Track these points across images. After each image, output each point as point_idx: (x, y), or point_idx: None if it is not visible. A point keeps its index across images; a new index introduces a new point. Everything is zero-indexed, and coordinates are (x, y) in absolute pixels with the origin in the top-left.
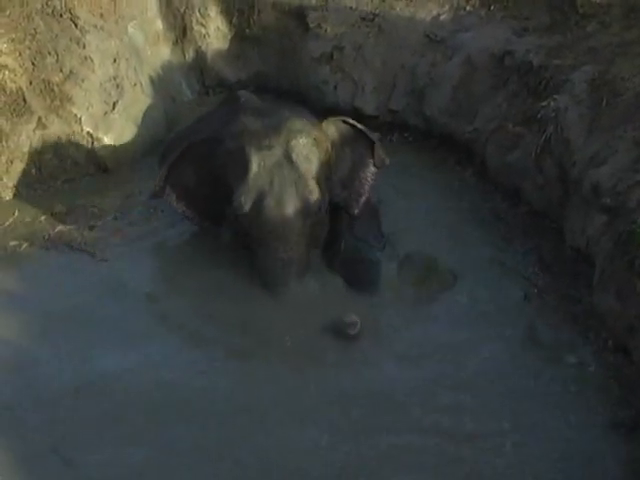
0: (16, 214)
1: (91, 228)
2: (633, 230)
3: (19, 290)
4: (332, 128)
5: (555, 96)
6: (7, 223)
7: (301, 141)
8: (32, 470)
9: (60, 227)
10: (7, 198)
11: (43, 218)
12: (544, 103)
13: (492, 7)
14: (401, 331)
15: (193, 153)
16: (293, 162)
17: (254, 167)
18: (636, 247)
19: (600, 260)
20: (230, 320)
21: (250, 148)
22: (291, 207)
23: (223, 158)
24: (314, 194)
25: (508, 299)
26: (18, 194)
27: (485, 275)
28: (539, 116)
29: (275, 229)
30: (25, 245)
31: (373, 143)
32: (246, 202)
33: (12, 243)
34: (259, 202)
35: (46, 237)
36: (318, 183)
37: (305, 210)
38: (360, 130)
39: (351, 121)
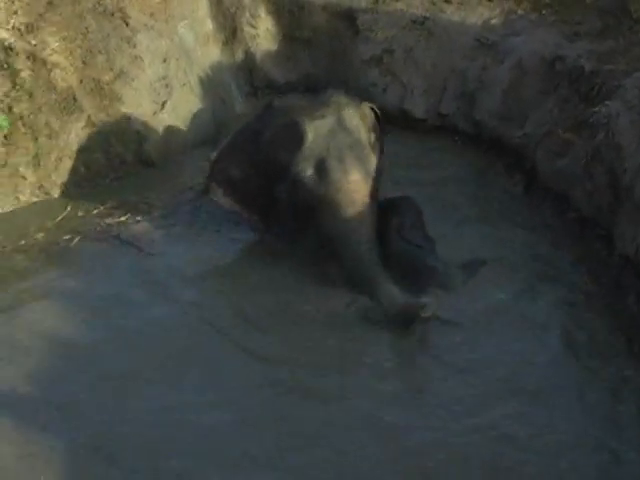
0: (67, 210)
1: (138, 222)
2: None
3: (70, 282)
4: (367, 110)
5: (607, 102)
6: (58, 219)
7: (351, 112)
8: None
9: (109, 221)
10: (56, 195)
11: (93, 213)
12: (595, 109)
13: (543, 11)
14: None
15: (236, 145)
16: (347, 129)
17: (309, 135)
18: None
19: None
20: (278, 325)
21: (302, 118)
22: (354, 167)
23: (272, 136)
24: (371, 158)
25: (554, 306)
26: (67, 191)
27: (532, 282)
28: (590, 122)
29: (341, 188)
30: (76, 240)
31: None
32: (306, 168)
33: (64, 237)
34: (321, 165)
35: (96, 231)
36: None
37: (366, 172)
38: (380, 120)
39: (376, 109)
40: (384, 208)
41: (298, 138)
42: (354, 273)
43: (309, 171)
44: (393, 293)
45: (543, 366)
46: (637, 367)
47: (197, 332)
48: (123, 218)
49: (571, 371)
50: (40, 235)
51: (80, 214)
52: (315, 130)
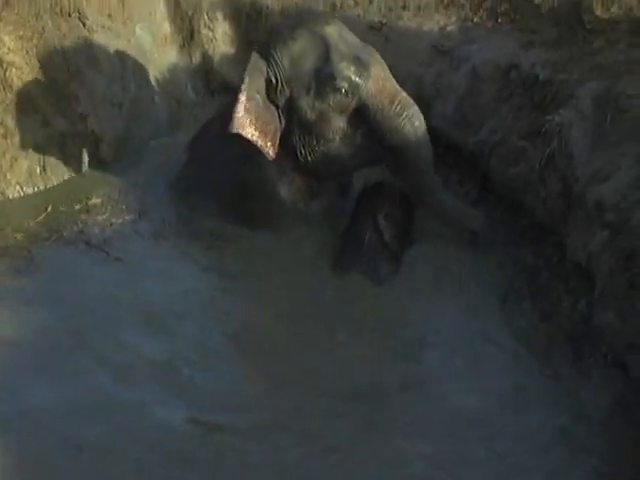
0: (24, 212)
1: (104, 225)
2: (635, 247)
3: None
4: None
5: (560, 111)
6: (14, 222)
7: (336, 21)
8: None
9: (71, 223)
10: (11, 196)
11: (53, 216)
12: (549, 117)
13: (499, 20)
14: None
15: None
16: (346, 33)
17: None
18: (637, 264)
19: (601, 276)
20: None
21: (317, 27)
22: (381, 62)
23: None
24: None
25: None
26: (22, 191)
27: (486, 285)
28: (543, 130)
29: (387, 78)
30: (39, 243)
31: None
32: (344, 69)
33: (24, 241)
34: (361, 67)
35: (60, 234)
36: None
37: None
38: None
39: None
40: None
41: (323, 45)
42: (424, 182)
43: (350, 70)
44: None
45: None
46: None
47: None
48: (87, 220)
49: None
50: None
51: (38, 216)
52: (334, 34)
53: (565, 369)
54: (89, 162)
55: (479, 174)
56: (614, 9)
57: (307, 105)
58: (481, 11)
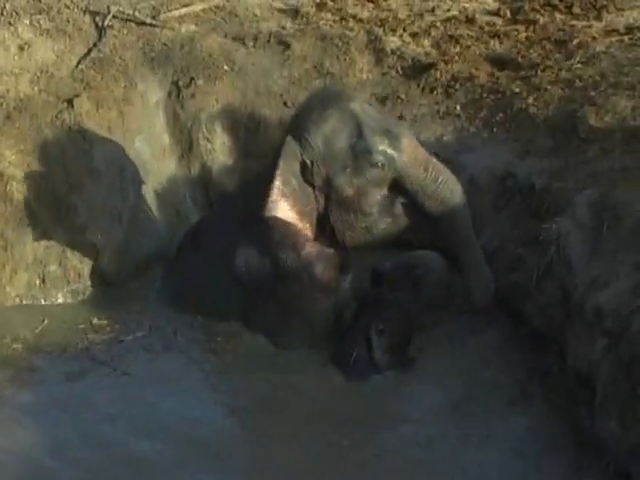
0: (28, 326)
1: (110, 341)
2: (636, 354)
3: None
4: None
5: (557, 219)
6: (18, 336)
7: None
8: None
9: (74, 339)
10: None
11: (55, 331)
12: (546, 225)
13: (495, 129)
14: None
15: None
16: (368, 107)
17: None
18: (638, 372)
19: (602, 384)
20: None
21: (344, 104)
22: (406, 131)
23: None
24: None
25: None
26: (21, 303)
27: (487, 398)
28: (541, 238)
29: (416, 148)
30: (45, 358)
31: None
32: (379, 143)
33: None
34: (393, 139)
35: (63, 350)
36: None
37: None
38: None
39: None
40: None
41: (350, 119)
42: (463, 243)
43: (384, 143)
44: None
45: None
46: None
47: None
48: (93, 338)
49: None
50: None
51: (38, 330)
52: (360, 109)
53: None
54: (90, 274)
55: None
56: (608, 118)
57: (345, 182)
58: (477, 121)
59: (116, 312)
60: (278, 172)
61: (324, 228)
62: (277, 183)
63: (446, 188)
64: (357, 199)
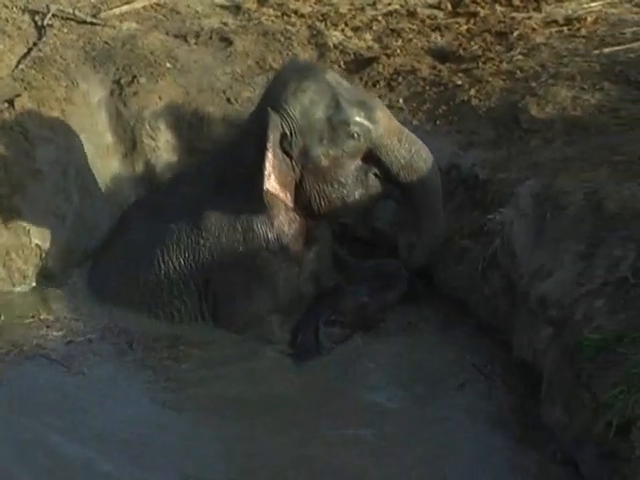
0: None
1: (62, 340)
2: (580, 342)
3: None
4: None
5: (501, 209)
6: None
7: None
8: None
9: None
10: None
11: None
12: (490, 216)
13: (438, 122)
14: None
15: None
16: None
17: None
18: (582, 359)
19: (547, 372)
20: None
21: (318, 76)
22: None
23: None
24: None
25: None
26: None
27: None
28: (485, 229)
29: (396, 124)
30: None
31: None
32: (355, 115)
33: None
34: (369, 110)
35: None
36: None
37: None
38: None
39: None
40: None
41: (327, 91)
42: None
43: (360, 114)
44: None
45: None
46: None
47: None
48: (42, 335)
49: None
50: None
51: None
52: (335, 82)
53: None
54: (35, 276)
55: (424, 275)
56: (549, 109)
57: (321, 153)
58: (420, 114)
59: (63, 312)
60: (269, 144)
61: (300, 197)
62: (269, 156)
63: (419, 158)
64: (333, 170)
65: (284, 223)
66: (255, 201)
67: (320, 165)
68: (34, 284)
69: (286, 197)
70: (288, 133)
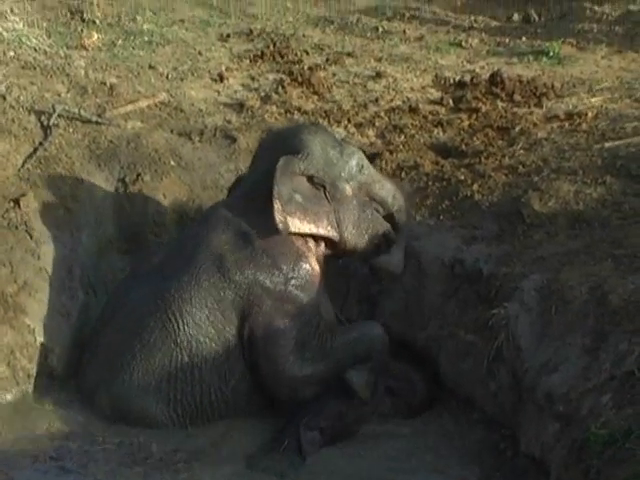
0: None
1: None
2: (587, 438)
3: None
4: None
5: (505, 304)
6: None
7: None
8: None
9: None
10: None
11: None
12: (495, 311)
13: (441, 217)
14: None
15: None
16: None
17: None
18: (590, 455)
19: (555, 468)
20: None
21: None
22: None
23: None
24: None
25: None
26: None
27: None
28: (490, 324)
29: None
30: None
31: None
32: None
33: None
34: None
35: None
36: None
37: None
38: None
39: None
40: None
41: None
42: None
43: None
44: None
45: None
46: None
47: None
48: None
49: None
50: None
51: None
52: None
53: None
54: (39, 375)
55: (430, 369)
56: (551, 203)
57: (344, 183)
58: (423, 209)
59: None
60: (275, 195)
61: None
62: (277, 206)
63: (398, 194)
64: (354, 198)
65: (314, 270)
66: None
67: (345, 194)
68: (38, 383)
69: (326, 229)
70: (314, 172)
